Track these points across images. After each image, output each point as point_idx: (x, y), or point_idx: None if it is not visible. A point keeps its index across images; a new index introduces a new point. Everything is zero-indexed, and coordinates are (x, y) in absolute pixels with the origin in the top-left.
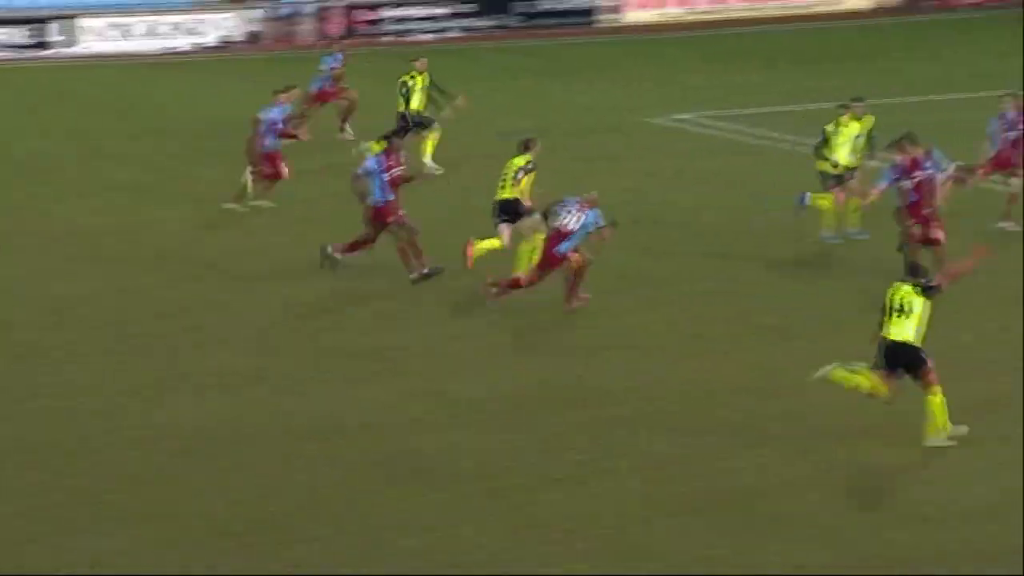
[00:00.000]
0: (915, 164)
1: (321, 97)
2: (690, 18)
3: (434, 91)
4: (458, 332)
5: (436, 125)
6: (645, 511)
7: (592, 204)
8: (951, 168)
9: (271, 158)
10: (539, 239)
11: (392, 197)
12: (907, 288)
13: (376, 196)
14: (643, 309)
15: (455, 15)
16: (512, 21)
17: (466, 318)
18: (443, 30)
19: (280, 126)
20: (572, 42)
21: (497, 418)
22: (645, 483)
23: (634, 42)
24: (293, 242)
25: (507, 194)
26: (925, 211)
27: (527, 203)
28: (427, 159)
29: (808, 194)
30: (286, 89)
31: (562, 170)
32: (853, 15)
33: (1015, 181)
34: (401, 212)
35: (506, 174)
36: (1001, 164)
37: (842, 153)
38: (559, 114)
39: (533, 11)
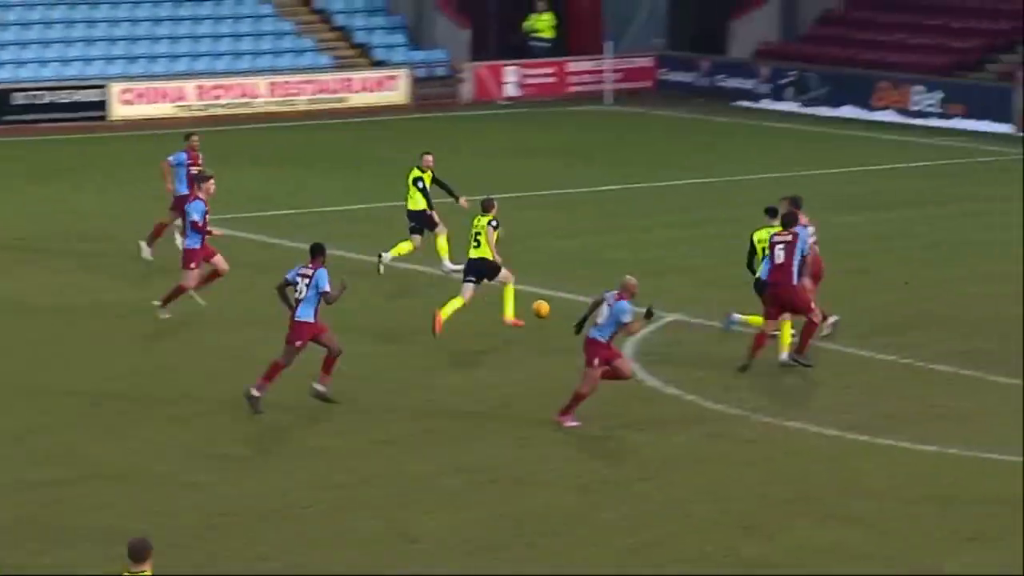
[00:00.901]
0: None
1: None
2: (187, 115)
3: (441, 188)
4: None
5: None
6: None
7: (628, 292)
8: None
9: (198, 256)
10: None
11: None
12: None
13: (303, 311)
14: None
15: None
16: None
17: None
18: None
19: (199, 223)
20: (56, 139)
21: None
22: None
23: (127, 140)
24: None
25: (481, 253)
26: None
27: (497, 258)
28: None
29: (736, 315)
30: (201, 181)
31: (59, 283)
32: (376, 110)
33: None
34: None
35: (477, 232)
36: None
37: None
38: (50, 220)
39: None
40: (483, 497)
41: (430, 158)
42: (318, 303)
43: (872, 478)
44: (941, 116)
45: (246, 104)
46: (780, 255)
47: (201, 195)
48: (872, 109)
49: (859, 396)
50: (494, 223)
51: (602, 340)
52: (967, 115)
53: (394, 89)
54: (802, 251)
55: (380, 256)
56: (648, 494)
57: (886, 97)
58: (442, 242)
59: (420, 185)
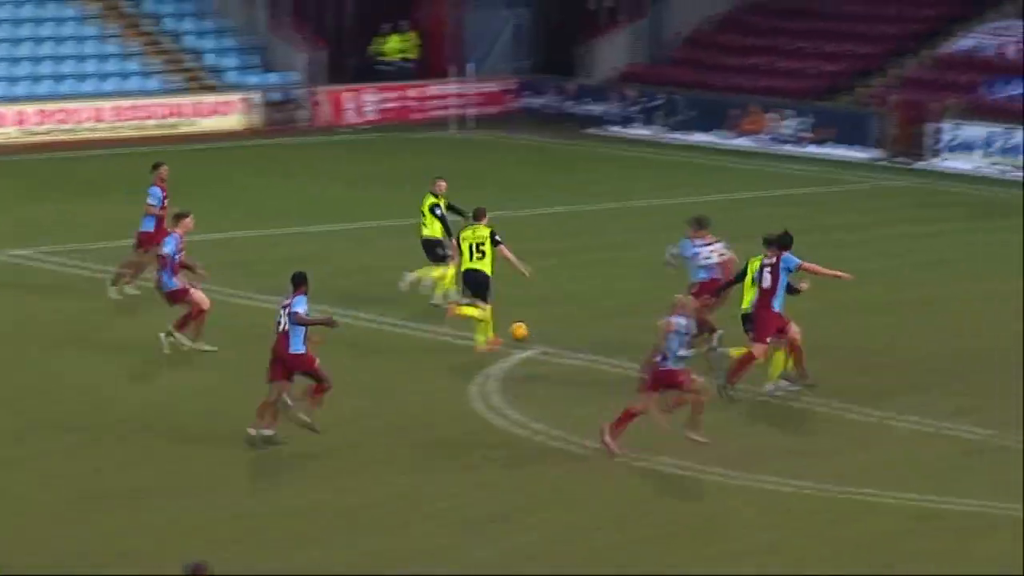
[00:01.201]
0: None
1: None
2: (26, 140)
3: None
4: None
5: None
6: None
7: (679, 310)
8: None
9: (180, 295)
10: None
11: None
12: None
13: (294, 344)
14: None
15: None
16: None
17: None
18: None
19: (175, 259)
20: None
21: None
22: None
23: None
24: None
25: (483, 266)
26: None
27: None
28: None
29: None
30: (178, 218)
31: None
32: (219, 136)
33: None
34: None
35: (478, 243)
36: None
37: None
38: None
39: None
40: (342, 537)
41: (443, 184)
42: (305, 331)
43: (736, 516)
44: (810, 142)
45: (90, 129)
46: (767, 279)
47: (178, 231)
48: (739, 135)
49: (720, 432)
50: (498, 237)
51: (674, 368)
52: (836, 140)
53: (244, 113)
54: (788, 270)
55: (404, 275)
56: (510, 534)
57: (754, 122)
58: (452, 273)
59: (438, 212)
